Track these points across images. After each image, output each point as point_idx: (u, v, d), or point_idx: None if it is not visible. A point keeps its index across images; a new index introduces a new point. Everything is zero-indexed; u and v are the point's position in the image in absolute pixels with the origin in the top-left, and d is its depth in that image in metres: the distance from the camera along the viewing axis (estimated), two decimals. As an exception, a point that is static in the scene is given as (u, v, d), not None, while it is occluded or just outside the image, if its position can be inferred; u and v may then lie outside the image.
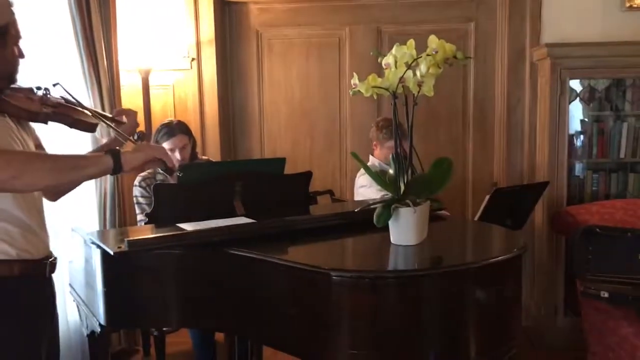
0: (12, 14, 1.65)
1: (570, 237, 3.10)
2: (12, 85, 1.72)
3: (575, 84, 3.52)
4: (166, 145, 2.83)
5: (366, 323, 1.60)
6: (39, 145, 1.88)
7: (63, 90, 1.88)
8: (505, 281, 1.74)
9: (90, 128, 1.86)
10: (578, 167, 3.63)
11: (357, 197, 3.13)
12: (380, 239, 1.80)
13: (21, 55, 1.70)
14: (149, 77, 3.56)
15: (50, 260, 1.79)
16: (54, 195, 1.96)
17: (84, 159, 1.68)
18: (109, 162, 1.62)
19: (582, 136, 3.59)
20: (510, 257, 1.72)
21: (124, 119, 2.00)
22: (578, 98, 3.55)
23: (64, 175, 1.57)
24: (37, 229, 1.74)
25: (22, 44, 1.72)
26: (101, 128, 2.03)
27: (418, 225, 1.71)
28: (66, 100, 1.85)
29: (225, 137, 3.93)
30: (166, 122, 2.98)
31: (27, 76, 2.74)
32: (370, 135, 3.23)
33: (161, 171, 2.86)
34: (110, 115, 2.04)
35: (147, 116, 3.57)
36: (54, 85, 1.85)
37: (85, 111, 1.87)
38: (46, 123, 1.78)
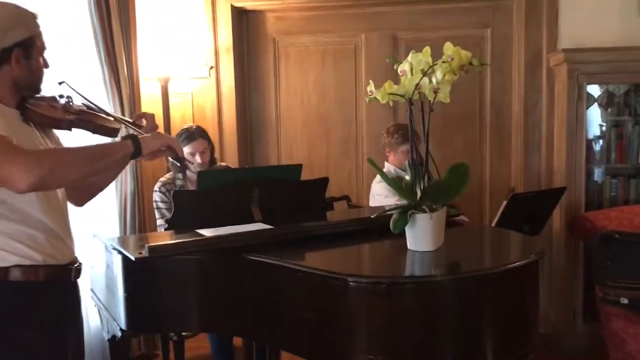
0: (37, 26, 1.71)
1: (588, 243, 3.07)
2: (36, 95, 1.78)
3: (594, 89, 3.50)
4: (186, 149, 2.89)
5: (382, 329, 1.61)
6: None
7: (70, 89, 1.91)
8: (523, 287, 1.74)
9: (112, 133, 1.91)
10: (597, 172, 3.61)
11: (373, 204, 3.13)
12: (397, 245, 1.81)
13: (46, 66, 1.77)
14: (168, 86, 3.61)
15: (75, 265, 1.83)
16: (80, 200, 2.01)
17: (107, 147, 1.75)
18: (129, 146, 1.70)
19: (600, 141, 3.56)
20: (528, 262, 1.72)
21: (144, 122, 2.05)
22: (596, 103, 3.53)
23: (92, 164, 1.64)
24: (63, 234, 1.78)
25: (46, 54, 1.77)
26: (121, 132, 2.07)
27: (434, 231, 1.72)
28: (88, 107, 1.90)
29: (242, 144, 3.97)
30: (186, 127, 3.05)
31: (50, 85, 2.81)
32: (382, 142, 3.23)
33: (180, 177, 2.91)
34: (130, 120, 2.09)
35: (167, 124, 3.62)
36: (60, 83, 1.89)
37: (107, 116, 1.91)
38: (70, 130, 1.83)
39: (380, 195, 3.02)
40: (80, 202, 2.00)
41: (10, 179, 1.48)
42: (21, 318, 1.67)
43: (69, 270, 1.80)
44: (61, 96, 1.84)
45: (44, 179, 1.51)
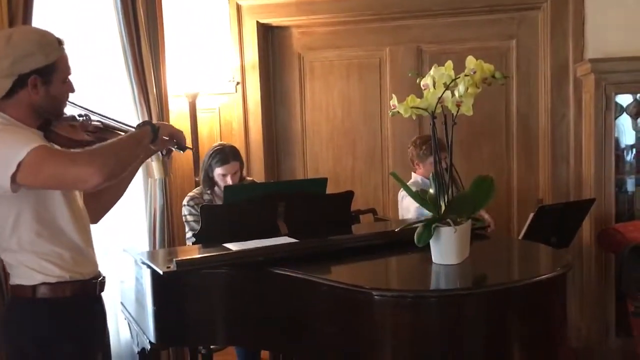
0: (62, 51, 1.72)
1: (619, 255, 3.02)
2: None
3: (624, 99, 3.45)
4: (219, 170, 2.91)
5: (407, 342, 1.61)
6: None
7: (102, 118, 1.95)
8: (550, 300, 1.73)
9: None
10: (627, 183, 3.54)
11: (404, 213, 3.11)
12: (422, 259, 1.81)
13: (71, 90, 1.78)
14: (196, 102, 3.68)
15: (99, 279, 1.85)
16: (97, 215, 2.01)
17: (133, 137, 1.78)
18: (149, 130, 1.79)
19: (631, 151, 3.50)
20: (555, 275, 1.71)
21: None
22: (625, 112, 3.48)
23: (131, 151, 1.71)
24: (87, 249, 1.82)
25: (77, 75, 1.80)
26: None
27: (459, 245, 1.72)
28: (104, 125, 1.93)
29: (269, 158, 4.01)
30: (219, 147, 3.00)
31: (79, 101, 2.89)
32: (409, 155, 3.22)
33: (208, 191, 2.96)
34: None
35: (195, 139, 3.68)
36: (83, 115, 1.91)
37: (119, 129, 1.94)
38: None
39: (414, 204, 2.99)
40: (96, 218, 2.01)
41: (83, 177, 1.54)
42: (48, 334, 1.70)
43: (94, 285, 1.82)
44: (80, 115, 1.87)
45: (115, 170, 1.58)
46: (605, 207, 3.34)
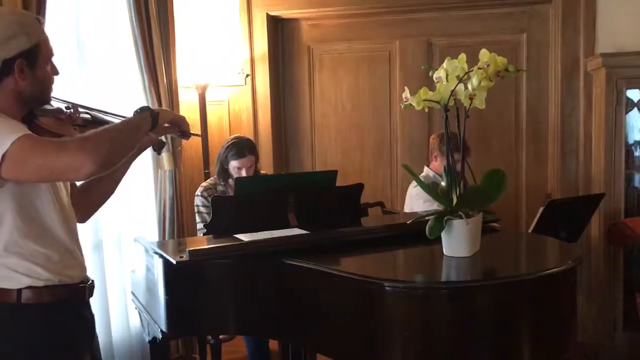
0: (43, 32, 1.59)
1: (627, 250, 3.02)
2: (42, 107, 1.66)
3: (634, 93, 3.43)
4: (235, 163, 2.92)
5: (418, 334, 1.62)
6: None
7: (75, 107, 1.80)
8: (560, 294, 1.73)
9: None
10: (637, 178, 3.54)
11: (411, 206, 3.13)
12: (432, 251, 1.82)
13: (55, 73, 1.65)
14: (205, 93, 3.69)
15: (88, 283, 1.72)
16: (86, 214, 1.88)
17: (131, 121, 1.67)
18: (148, 117, 1.66)
19: (641, 146, 3.50)
20: (565, 269, 1.71)
21: None
22: (636, 107, 3.47)
23: (129, 137, 1.58)
24: (75, 252, 1.70)
25: (56, 60, 1.66)
26: None
27: (471, 237, 1.73)
28: (93, 117, 1.79)
29: (277, 150, 4.02)
30: (236, 140, 2.99)
31: (91, 92, 2.90)
32: (430, 146, 3.21)
33: (221, 182, 2.97)
34: None
35: (204, 130, 3.69)
36: (67, 108, 1.76)
37: (111, 120, 1.80)
38: None
39: (421, 199, 3.00)
40: (84, 217, 1.87)
41: (74, 165, 1.42)
42: (34, 341, 1.57)
43: (83, 289, 1.69)
44: (67, 108, 1.73)
45: (109, 157, 1.46)
46: (615, 202, 3.33)
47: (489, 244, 1.91)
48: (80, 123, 1.72)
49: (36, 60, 1.56)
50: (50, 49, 1.62)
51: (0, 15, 1.57)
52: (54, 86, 1.65)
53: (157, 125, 1.70)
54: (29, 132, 1.47)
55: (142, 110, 1.70)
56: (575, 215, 3.02)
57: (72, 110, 1.72)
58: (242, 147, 2.94)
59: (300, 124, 4.11)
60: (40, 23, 1.60)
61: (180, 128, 1.84)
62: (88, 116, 1.77)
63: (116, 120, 1.75)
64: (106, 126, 1.60)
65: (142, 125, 1.65)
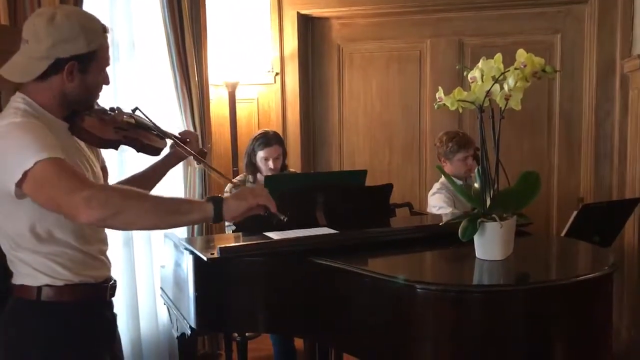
0: (105, 40, 1.60)
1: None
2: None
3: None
4: (261, 153, 2.95)
5: (448, 337, 1.60)
6: (104, 168, 1.82)
7: (140, 113, 1.83)
8: (594, 300, 1.69)
9: (156, 152, 1.82)
10: (673, 184, 3.44)
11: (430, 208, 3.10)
12: (463, 254, 1.79)
13: (106, 82, 1.65)
14: (235, 91, 3.70)
15: (110, 283, 1.71)
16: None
17: (187, 204, 1.62)
18: (209, 211, 1.52)
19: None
20: (600, 275, 1.67)
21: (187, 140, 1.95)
22: (674, 111, 3.38)
23: (163, 218, 1.50)
24: (100, 252, 1.69)
25: (112, 68, 1.68)
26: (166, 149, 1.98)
27: (504, 241, 1.70)
28: (136, 121, 1.78)
29: (306, 149, 4.02)
30: (263, 131, 3.10)
31: (126, 91, 2.94)
32: (436, 152, 3.15)
33: (250, 179, 2.99)
34: (177, 135, 1.96)
35: (233, 128, 3.71)
36: (133, 110, 1.81)
37: (153, 131, 1.81)
38: (117, 149, 1.72)
39: (435, 207, 2.98)
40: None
41: (72, 210, 1.40)
42: (52, 340, 1.56)
43: (105, 289, 1.68)
44: (112, 109, 1.73)
45: (105, 221, 1.44)
46: (651, 207, 3.25)
47: (521, 247, 1.88)
48: (123, 126, 1.71)
49: (89, 65, 1.56)
50: (107, 58, 1.62)
51: (68, 14, 1.54)
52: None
53: (224, 219, 1.56)
54: (58, 155, 1.43)
55: (210, 200, 1.55)
56: (609, 220, 2.95)
57: (117, 111, 1.72)
58: (269, 137, 2.99)
59: (328, 123, 4.11)
60: (105, 32, 1.60)
61: (269, 209, 1.63)
62: (132, 120, 1.76)
63: (159, 131, 1.76)
64: (153, 195, 1.56)
65: (196, 214, 1.54)
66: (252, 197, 1.59)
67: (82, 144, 1.66)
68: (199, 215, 1.54)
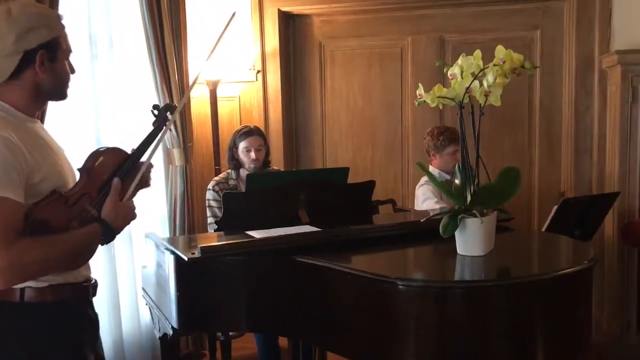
0: (63, 27, 1.60)
1: (643, 250, 2.98)
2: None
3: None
4: (243, 144, 2.99)
5: (431, 333, 1.60)
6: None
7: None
8: (575, 294, 1.71)
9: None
10: (651, 177, 3.49)
11: (417, 207, 3.11)
12: (445, 250, 1.80)
13: (72, 71, 1.65)
14: (216, 89, 3.68)
15: (91, 282, 1.71)
16: None
17: (80, 239, 1.58)
18: (99, 230, 1.57)
19: (656, 145, 3.44)
20: (581, 269, 1.69)
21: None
22: (651, 105, 3.42)
23: (67, 259, 1.56)
24: None
25: (73, 58, 1.66)
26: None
27: (485, 236, 1.71)
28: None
29: (288, 147, 4.01)
30: (244, 125, 3.19)
31: (105, 89, 2.90)
32: (425, 146, 3.18)
33: (233, 176, 2.99)
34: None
35: (215, 126, 3.68)
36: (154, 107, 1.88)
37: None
38: None
39: (420, 198, 3.00)
40: None
41: None
42: (37, 341, 1.56)
43: (86, 288, 1.68)
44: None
45: (18, 281, 1.48)
46: (629, 201, 3.30)
47: (502, 242, 1.89)
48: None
49: (56, 54, 1.56)
50: (69, 45, 1.63)
51: (23, 6, 1.55)
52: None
53: (115, 234, 1.62)
54: (4, 194, 1.41)
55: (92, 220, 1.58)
56: (590, 214, 2.98)
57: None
58: (251, 129, 3.05)
59: (311, 120, 4.10)
60: (60, 18, 1.60)
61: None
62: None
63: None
64: (53, 244, 1.51)
65: (92, 239, 1.59)
66: (124, 213, 1.65)
67: (53, 139, 1.67)
68: (95, 239, 1.59)
